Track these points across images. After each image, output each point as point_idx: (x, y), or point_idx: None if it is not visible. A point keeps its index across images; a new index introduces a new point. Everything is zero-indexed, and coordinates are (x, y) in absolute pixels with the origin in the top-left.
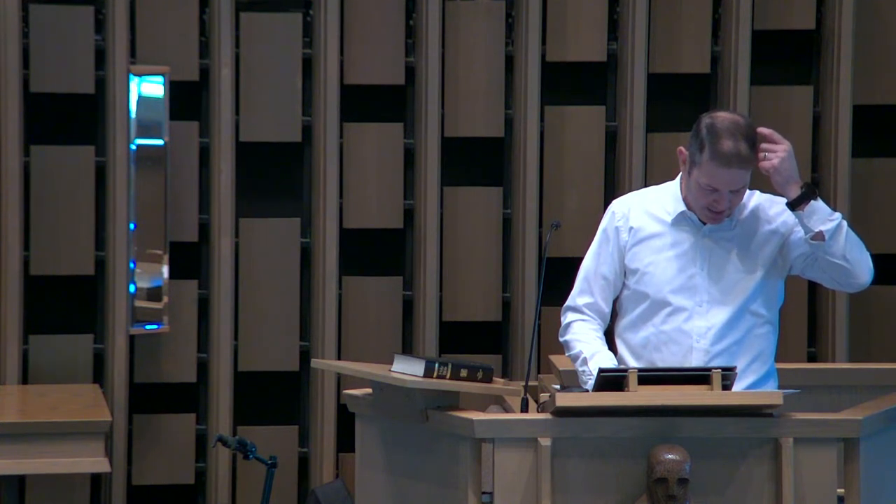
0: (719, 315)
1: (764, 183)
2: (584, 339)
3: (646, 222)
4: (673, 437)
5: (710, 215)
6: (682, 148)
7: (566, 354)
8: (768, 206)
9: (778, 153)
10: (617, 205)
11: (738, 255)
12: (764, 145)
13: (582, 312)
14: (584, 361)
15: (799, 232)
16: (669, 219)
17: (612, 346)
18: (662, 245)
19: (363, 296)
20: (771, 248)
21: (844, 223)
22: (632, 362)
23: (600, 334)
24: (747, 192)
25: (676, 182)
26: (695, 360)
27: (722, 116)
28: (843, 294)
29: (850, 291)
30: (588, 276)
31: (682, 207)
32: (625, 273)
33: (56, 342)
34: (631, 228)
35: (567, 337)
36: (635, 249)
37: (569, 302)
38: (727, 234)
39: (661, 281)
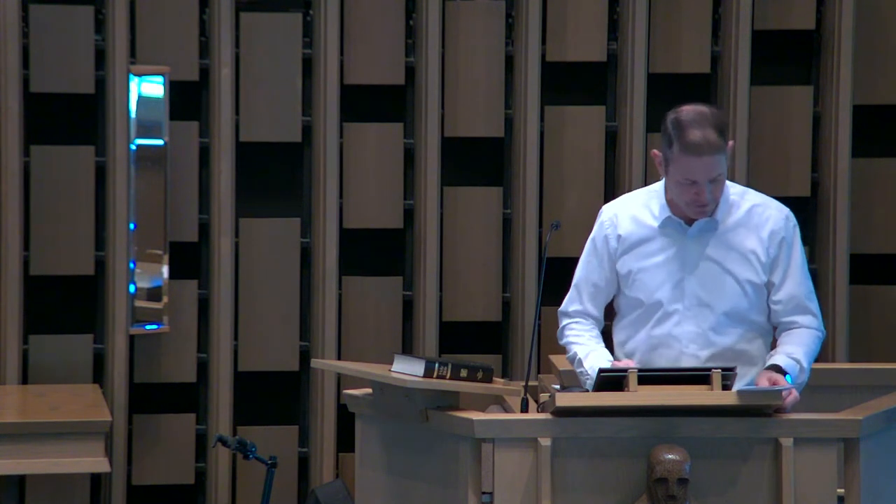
0: (708, 319)
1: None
2: (578, 340)
3: (633, 229)
4: (673, 437)
5: (695, 210)
6: (655, 151)
7: (566, 357)
8: (761, 212)
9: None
10: (605, 212)
11: (724, 257)
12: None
13: (572, 317)
14: (580, 363)
15: (776, 286)
16: (656, 224)
17: (609, 345)
18: (650, 250)
19: (363, 296)
20: (757, 256)
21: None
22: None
23: (594, 333)
24: (741, 190)
25: (662, 185)
26: (685, 365)
27: (686, 109)
28: (843, 294)
29: None
30: (579, 284)
31: (668, 212)
32: (618, 279)
33: (56, 342)
34: (619, 236)
35: (564, 341)
36: (625, 257)
37: (562, 307)
38: (711, 236)
39: (651, 286)
